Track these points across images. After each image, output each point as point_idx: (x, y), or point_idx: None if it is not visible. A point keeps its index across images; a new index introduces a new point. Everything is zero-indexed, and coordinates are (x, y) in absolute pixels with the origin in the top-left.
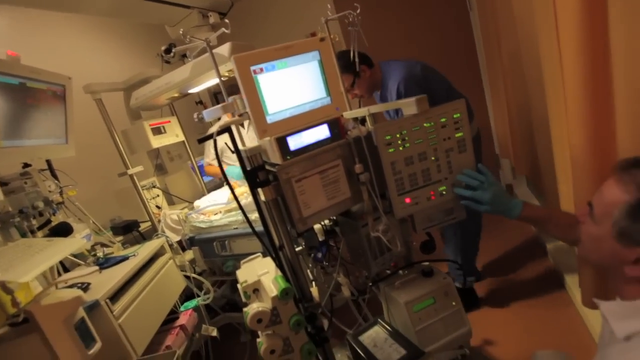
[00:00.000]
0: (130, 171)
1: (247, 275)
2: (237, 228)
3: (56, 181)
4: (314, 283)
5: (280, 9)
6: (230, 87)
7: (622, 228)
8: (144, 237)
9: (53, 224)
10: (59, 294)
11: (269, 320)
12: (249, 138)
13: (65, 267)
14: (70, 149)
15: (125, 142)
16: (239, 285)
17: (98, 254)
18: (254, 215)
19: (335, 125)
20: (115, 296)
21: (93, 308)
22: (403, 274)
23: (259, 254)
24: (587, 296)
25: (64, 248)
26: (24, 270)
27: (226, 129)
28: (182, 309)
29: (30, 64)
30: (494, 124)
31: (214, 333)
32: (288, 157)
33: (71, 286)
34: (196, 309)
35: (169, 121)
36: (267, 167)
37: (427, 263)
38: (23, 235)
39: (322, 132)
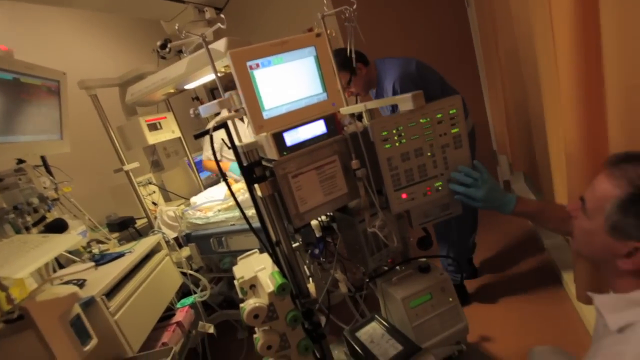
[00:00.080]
0: (126, 167)
1: (244, 271)
2: (234, 224)
3: (51, 177)
4: (311, 279)
5: (277, 4)
6: (227, 82)
7: (614, 222)
8: (140, 234)
9: (48, 220)
10: (54, 290)
11: (266, 316)
12: (249, 132)
13: (60, 264)
14: (65, 145)
15: (121, 138)
16: (235, 282)
17: (94, 251)
18: (250, 212)
19: (332, 121)
20: (111, 293)
21: (89, 304)
22: (400, 270)
23: (256, 250)
24: (581, 291)
25: (59, 244)
26: (19, 266)
27: (222, 125)
28: (178, 305)
29: (24, 60)
30: (492, 121)
31: (211, 330)
32: (285, 153)
33: (67, 282)
34: (193, 305)
35: (165, 117)
36: (264, 163)
37: (424, 259)
38: (18, 231)
39: (318, 127)
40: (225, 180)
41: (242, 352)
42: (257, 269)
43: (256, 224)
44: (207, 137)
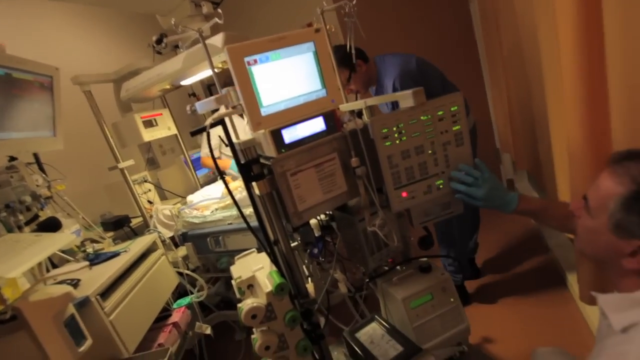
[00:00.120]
0: (121, 165)
1: (242, 271)
2: (231, 223)
3: (44, 175)
4: (310, 279)
5: None
6: (225, 79)
7: (617, 220)
8: (136, 233)
9: (41, 219)
10: (48, 290)
11: (264, 316)
12: (249, 129)
13: (53, 263)
14: (58, 142)
15: (116, 135)
16: (233, 281)
17: (88, 250)
18: (248, 210)
19: (331, 118)
20: (106, 293)
21: (83, 305)
22: (400, 270)
23: (254, 249)
24: (585, 290)
25: (53, 243)
26: (11, 266)
27: (220, 121)
28: (175, 306)
29: (16, 54)
30: (495, 118)
31: (208, 331)
32: (283, 150)
33: (60, 282)
34: (190, 306)
35: (161, 114)
36: (262, 161)
37: (424, 259)
38: (10, 230)
39: (317, 124)
40: (223, 178)
41: (240, 353)
42: (255, 268)
43: (254, 222)
44: (205, 134)
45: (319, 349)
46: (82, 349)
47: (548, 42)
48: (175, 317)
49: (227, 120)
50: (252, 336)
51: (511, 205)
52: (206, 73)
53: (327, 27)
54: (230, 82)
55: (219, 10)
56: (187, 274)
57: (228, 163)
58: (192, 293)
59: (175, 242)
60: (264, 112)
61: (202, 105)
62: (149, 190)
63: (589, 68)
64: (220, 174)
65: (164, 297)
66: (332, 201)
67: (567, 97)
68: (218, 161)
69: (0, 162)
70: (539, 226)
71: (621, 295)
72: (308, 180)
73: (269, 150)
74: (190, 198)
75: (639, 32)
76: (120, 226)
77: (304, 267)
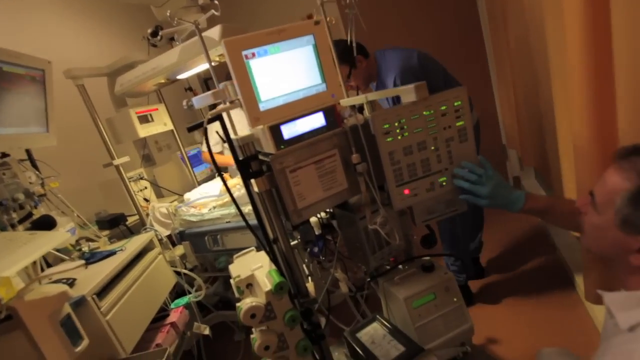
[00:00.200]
0: (116, 162)
1: (240, 270)
2: (229, 222)
3: (37, 172)
4: (310, 278)
5: None
6: (222, 72)
7: (624, 216)
8: (132, 232)
9: (35, 217)
10: (43, 289)
11: (263, 315)
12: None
13: (48, 262)
14: (51, 138)
15: (110, 131)
16: (232, 280)
17: (83, 249)
18: (247, 208)
19: (331, 113)
20: (102, 292)
21: (79, 304)
22: (402, 269)
23: (253, 248)
24: (591, 289)
25: (47, 242)
26: (5, 265)
27: (217, 117)
28: (172, 306)
29: (6, 47)
30: (501, 114)
31: (207, 331)
32: (282, 147)
33: (56, 281)
34: (187, 306)
35: (157, 109)
36: (261, 157)
37: (427, 258)
38: (3, 229)
39: (317, 120)
40: (221, 175)
41: (239, 354)
42: (254, 267)
43: (253, 220)
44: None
45: (319, 349)
46: (78, 349)
47: (555, 38)
48: (173, 317)
49: (224, 115)
50: (252, 336)
51: (517, 204)
52: (203, 67)
53: (328, 19)
54: (230, 77)
55: (216, 2)
56: (184, 274)
57: (231, 159)
58: (190, 293)
59: (173, 240)
60: (262, 107)
61: (199, 100)
62: (145, 187)
63: (596, 65)
64: (218, 170)
65: (161, 296)
66: (332, 199)
67: (574, 93)
68: (222, 157)
69: None
70: (545, 224)
71: (628, 293)
72: (308, 177)
73: (268, 146)
74: (187, 196)
75: None
76: (116, 224)
77: (304, 266)
